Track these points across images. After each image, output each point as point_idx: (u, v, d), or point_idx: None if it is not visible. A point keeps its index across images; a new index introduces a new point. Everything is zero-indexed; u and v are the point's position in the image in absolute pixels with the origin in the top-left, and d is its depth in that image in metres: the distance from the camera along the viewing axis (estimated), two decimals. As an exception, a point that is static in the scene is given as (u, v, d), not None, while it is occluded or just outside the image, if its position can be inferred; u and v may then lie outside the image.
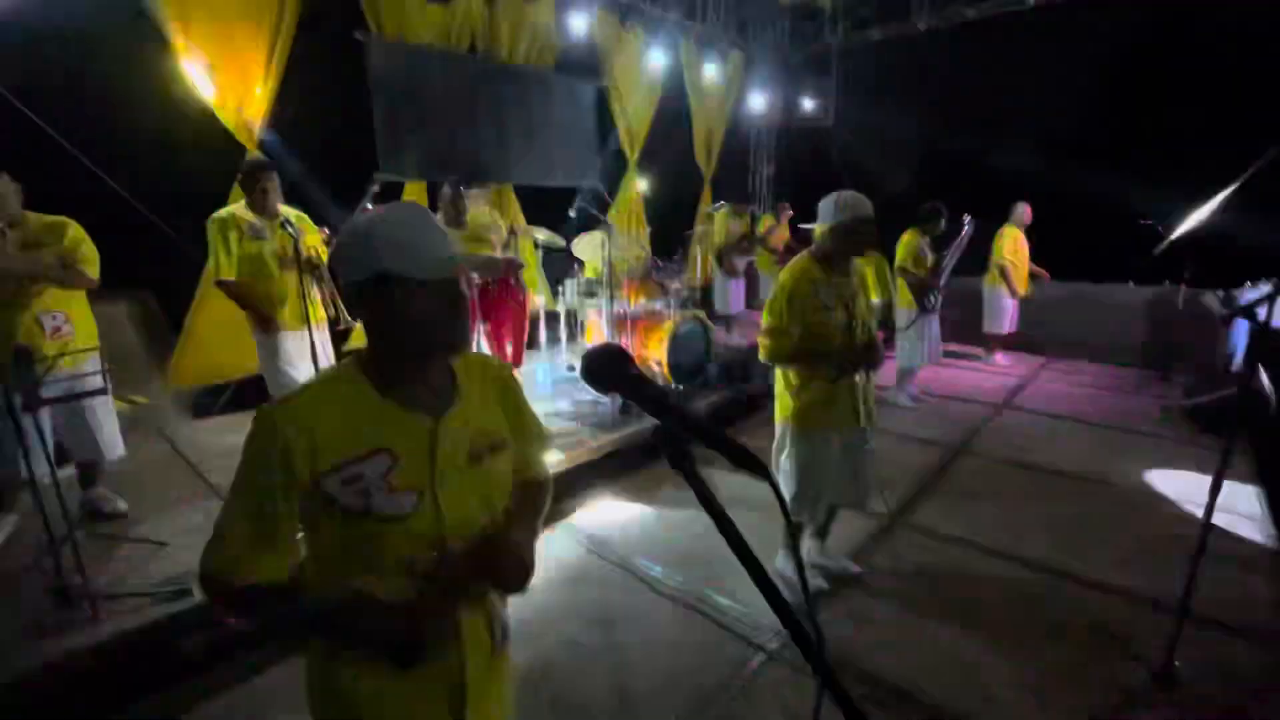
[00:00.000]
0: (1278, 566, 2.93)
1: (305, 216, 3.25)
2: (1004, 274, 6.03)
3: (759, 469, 0.59)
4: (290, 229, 2.85)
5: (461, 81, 5.53)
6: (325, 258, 3.19)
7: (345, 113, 4.91)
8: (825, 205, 2.43)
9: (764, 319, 2.47)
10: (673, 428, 0.62)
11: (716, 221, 7.17)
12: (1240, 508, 3.41)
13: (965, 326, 6.52)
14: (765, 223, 7.50)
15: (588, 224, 4.92)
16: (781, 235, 7.37)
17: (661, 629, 2.56)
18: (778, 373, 2.59)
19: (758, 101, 8.61)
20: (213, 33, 3.98)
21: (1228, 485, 2.06)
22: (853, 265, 2.52)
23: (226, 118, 4.12)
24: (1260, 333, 2.17)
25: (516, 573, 1.01)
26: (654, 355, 4.65)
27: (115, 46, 3.66)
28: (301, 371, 3.19)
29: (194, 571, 0.96)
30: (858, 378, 2.49)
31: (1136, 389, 5.69)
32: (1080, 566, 2.92)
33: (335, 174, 4.57)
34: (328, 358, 3.16)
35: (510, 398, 1.14)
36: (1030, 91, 6.74)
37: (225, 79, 4.07)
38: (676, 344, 4.64)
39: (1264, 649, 2.38)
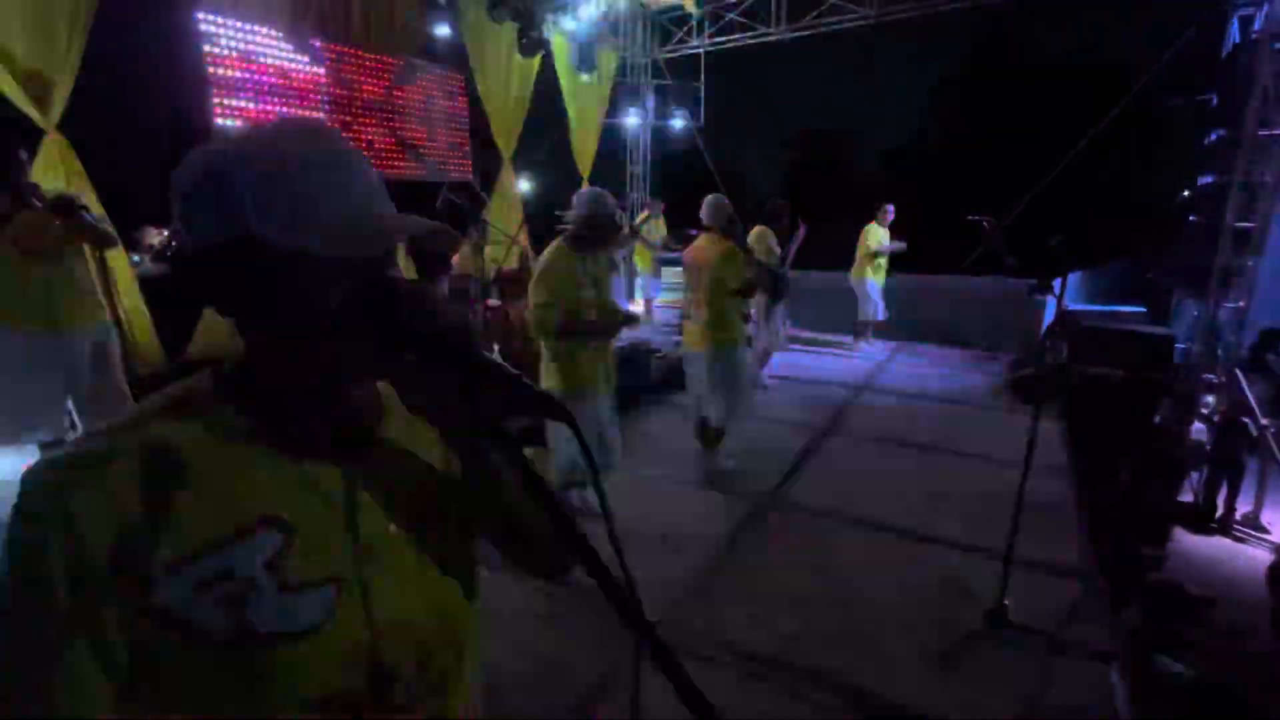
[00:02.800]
0: (1081, 510, 3.41)
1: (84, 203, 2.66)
2: (873, 259, 6.54)
3: (561, 414, 0.55)
4: (86, 215, 2.35)
5: (309, 64, 5.12)
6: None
7: (169, 91, 4.38)
8: (576, 198, 2.79)
9: (532, 298, 2.71)
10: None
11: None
12: (1053, 463, 3.93)
13: (829, 316, 7.04)
14: (641, 217, 7.65)
15: (455, 218, 4.74)
16: (658, 230, 7.52)
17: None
18: (545, 350, 2.85)
19: (631, 101, 8.75)
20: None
21: (1045, 444, 2.35)
22: (604, 251, 2.94)
23: (14, 94, 3.53)
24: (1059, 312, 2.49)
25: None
26: (533, 351, 4.55)
27: None
28: (30, 389, 2.59)
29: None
30: (605, 349, 2.90)
31: (973, 367, 6.40)
32: (930, 527, 3.21)
33: (158, 161, 4.07)
34: (109, 370, 2.65)
35: None
36: (876, 100, 7.38)
37: (15, 52, 3.48)
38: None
39: (1072, 581, 2.77)
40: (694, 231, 4.92)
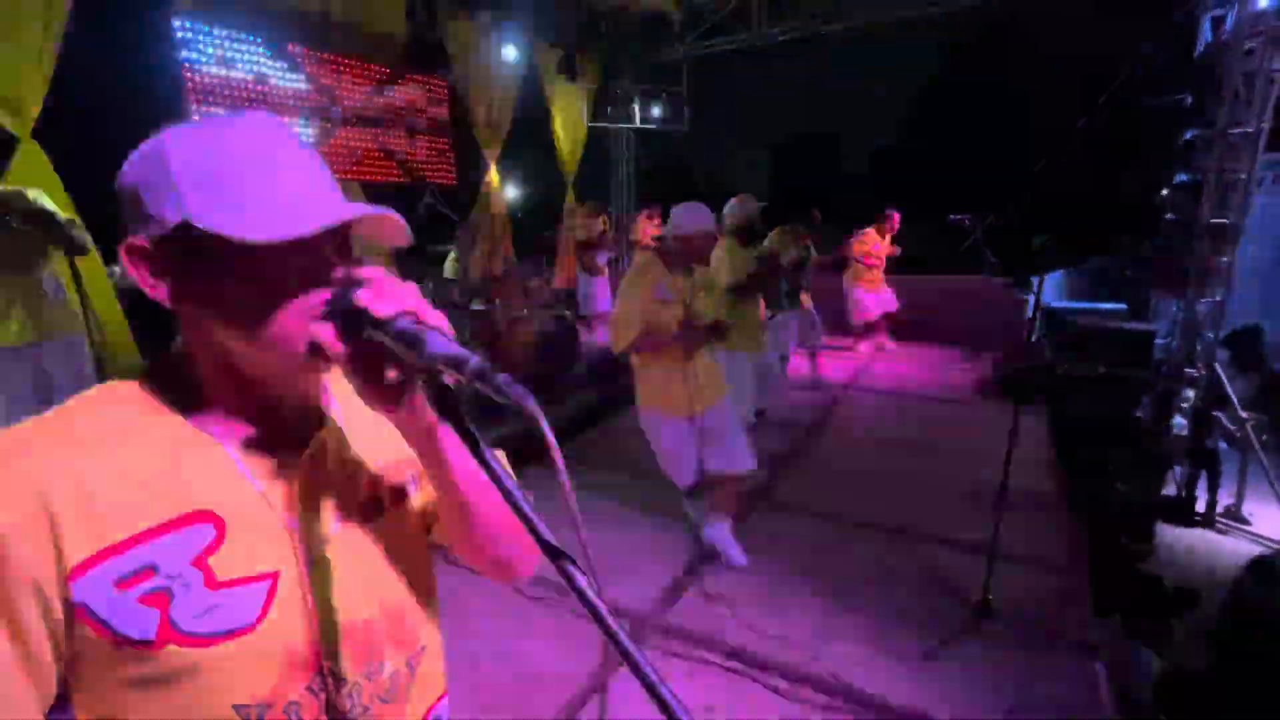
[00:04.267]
0: (1064, 505, 3.43)
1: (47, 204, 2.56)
2: (861, 264, 6.55)
3: (501, 391, 0.47)
4: (57, 218, 2.31)
5: (289, 70, 5.09)
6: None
7: (146, 99, 4.34)
8: (674, 212, 2.68)
9: (615, 312, 2.65)
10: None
11: (577, 219, 7.18)
12: (1037, 458, 3.96)
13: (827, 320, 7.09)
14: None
15: (436, 223, 4.73)
16: (648, 233, 7.53)
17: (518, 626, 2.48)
18: (634, 363, 2.74)
19: (615, 105, 8.76)
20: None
21: (1028, 440, 2.36)
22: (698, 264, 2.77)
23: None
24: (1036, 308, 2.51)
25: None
26: (520, 358, 4.55)
27: None
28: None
29: None
30: (696, 364, 2.68)
31: (957, 365, 6.45)
32: (915, 523, 3.22)
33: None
34: (81, 379, 2.59)
35: None
36: (860, 104, 7.44)
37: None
38: (542, 345, 4.58)
39: (1056, 575, 2.78)
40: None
